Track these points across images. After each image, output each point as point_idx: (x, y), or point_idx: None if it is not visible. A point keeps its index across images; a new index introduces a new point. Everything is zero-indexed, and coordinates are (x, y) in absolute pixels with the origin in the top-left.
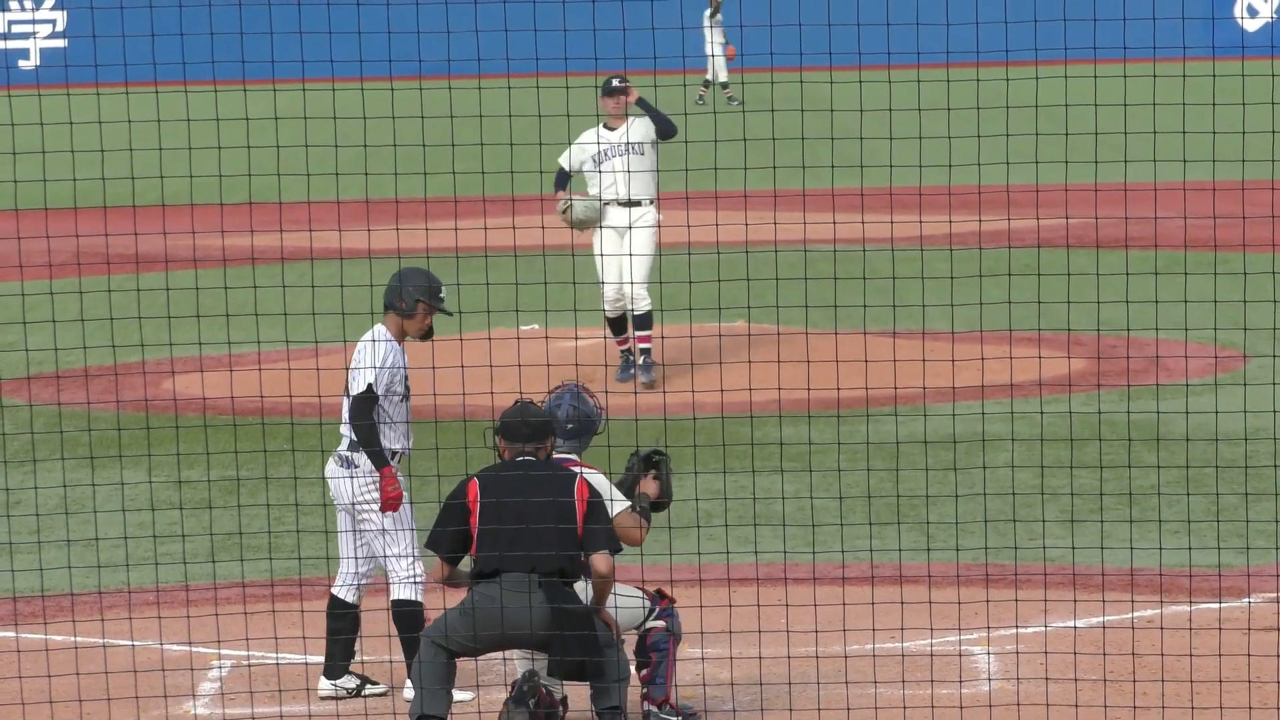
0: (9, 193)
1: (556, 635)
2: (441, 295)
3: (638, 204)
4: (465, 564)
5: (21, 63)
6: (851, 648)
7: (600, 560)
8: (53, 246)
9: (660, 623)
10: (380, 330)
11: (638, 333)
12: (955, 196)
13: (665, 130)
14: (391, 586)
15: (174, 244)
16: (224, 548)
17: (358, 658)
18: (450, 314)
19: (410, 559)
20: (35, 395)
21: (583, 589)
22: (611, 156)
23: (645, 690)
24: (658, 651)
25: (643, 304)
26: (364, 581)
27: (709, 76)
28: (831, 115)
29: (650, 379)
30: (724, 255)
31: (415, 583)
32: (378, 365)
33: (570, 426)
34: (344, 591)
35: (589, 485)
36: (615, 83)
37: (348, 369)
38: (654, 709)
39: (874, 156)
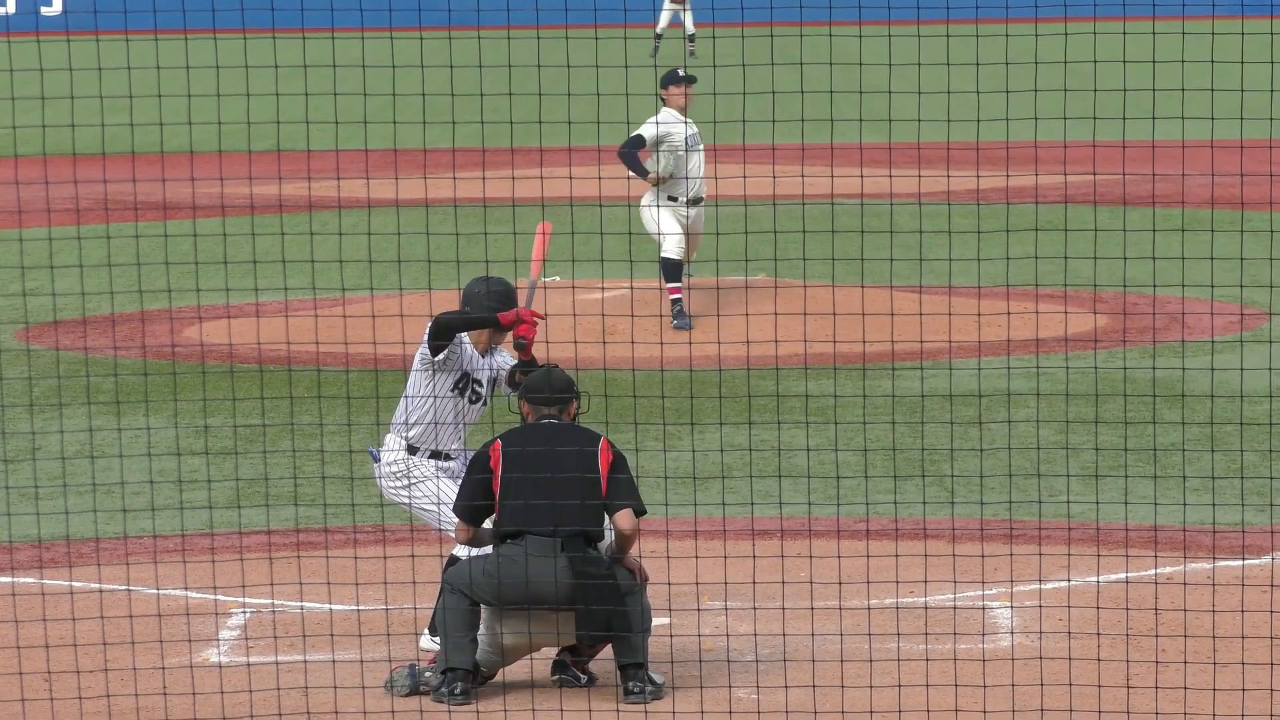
0: (37, 138)
1: (580, 600)
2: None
3: (697, 202)
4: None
5: (44, 9)
6: (874, 601)
7: (623, 518)
8: (80, 192)
9: None
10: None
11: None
12: (982, 152)
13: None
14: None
15: (201, 191)
16: (248, 494)
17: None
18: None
19: None
20: (61, 340)
21: (606, 545)
22: (695, 147)
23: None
24: None
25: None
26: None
27: (659, 30)
28: (860, 69)
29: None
30: (750, 208)
31: None
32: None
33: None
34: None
35: (613, 449)
36: (680, 72)
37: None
38: (571, 661)
39: (902, 111)
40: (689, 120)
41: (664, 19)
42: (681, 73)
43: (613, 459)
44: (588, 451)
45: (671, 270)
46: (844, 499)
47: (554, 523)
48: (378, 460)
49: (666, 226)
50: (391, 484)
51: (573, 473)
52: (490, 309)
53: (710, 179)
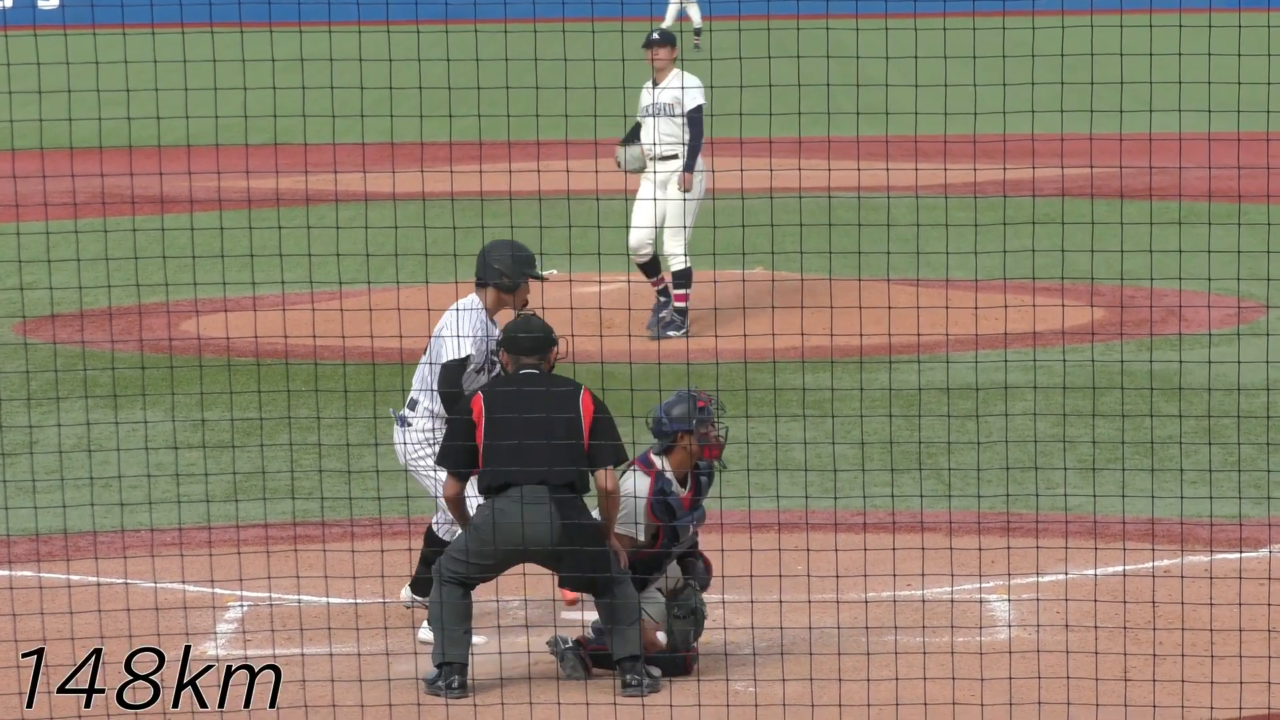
0: (34, 132)
1: (567, 550)
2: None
3: (668, 159)
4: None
5: (41, 3)
6: (872, 594)
7: (605, 477)
8: (77, 186)
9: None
10: (473, 299)
11: (674, 289)
12: (980, 145)
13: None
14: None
15: (198, 184)
16: (245, 488)
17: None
18: (542, 278)
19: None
20: (58, 334)
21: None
22: (652, 115)
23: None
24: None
25: (674, 261)
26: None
27: (665, 25)
28: (857, 62)
29: (658, 334)
30: (747, 201)
31: None
32: (473, 334)
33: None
34: (442, 531)
35: (594, 399)
36: (654, 35)
37: (431, 337)
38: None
39: (899, 104)
40: (661, 86)
41: (670, 14)
42: (655, 35)
43: (594, 410)
44: (569, 402)
45: (641, 269)
46: (841, 492)
47: (540, 473)
48: (405, 425)
49: (634, 218)
50: (415, 452)
51: (555, 423)
52: (507, 273)
53: (708, 173)
